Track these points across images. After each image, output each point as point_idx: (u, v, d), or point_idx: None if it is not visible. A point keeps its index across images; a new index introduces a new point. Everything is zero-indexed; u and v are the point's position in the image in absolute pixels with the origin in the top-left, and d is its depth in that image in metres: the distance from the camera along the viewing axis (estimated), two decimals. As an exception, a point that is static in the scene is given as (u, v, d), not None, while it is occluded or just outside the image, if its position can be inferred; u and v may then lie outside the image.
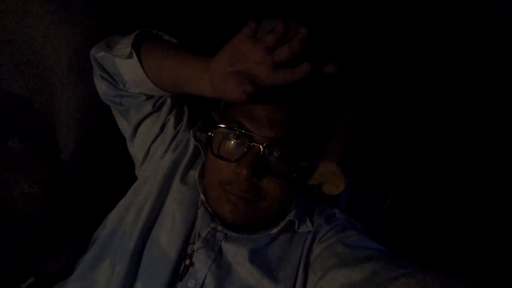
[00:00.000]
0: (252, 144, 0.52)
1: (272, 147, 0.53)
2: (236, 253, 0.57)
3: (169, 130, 0.67)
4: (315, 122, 0.57)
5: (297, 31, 0.41)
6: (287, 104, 0.53)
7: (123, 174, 0.73)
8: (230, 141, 0.55)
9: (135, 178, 0.70)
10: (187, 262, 0.57)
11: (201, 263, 0.56)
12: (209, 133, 0.57)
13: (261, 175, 0.54)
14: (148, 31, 0.64)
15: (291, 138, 0.53)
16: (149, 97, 0.66)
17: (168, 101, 0.67)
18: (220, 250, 0.58)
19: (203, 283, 0.55)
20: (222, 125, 0.55)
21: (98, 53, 0.63)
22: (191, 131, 0.67)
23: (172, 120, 0.67)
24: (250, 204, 0.55)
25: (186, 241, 0.59)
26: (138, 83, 0.63)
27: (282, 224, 0.59)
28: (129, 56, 0.60)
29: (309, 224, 0.60)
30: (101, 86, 0.66)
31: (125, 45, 0.61)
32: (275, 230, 0.59)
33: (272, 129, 0.52)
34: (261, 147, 0.52)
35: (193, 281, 0.55)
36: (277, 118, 0.52)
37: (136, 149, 0.69)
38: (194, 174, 0.64)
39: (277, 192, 0.55)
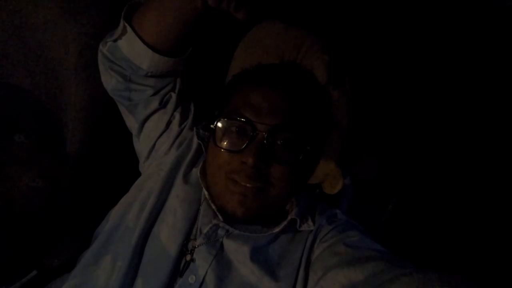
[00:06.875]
0: (256, 133, 0.54)
1: (275, 134, 0.55)
2: (237, 251, 0.57)
3: (174, 127, 0.68)
4: (313, 110, 0.61)
5: None
6: (285, 93, 0.57)
7: (126, 170, 0.74)
8: (233, 132, 0.56)
9: (138, 175, 0.71)
10: (188, 258, 0.57)
11: (202, 260, 0.56)
12: (212, 126, 0.58)
13: (268, 162, 0.55)
14: (136, 2, 0.64)
15: (292, 125, 0.56)
16: (156, 92, 0.67)
17: (173, 98, 0.67)
18: (222, 247, 0.58)
19: (203, 280, 0.55)
20: (224, 117, 0.56)
21: (104, 47, 0.64)
22: (194, 128, 0.68)
23: (177, 117, 0.68)
24: (260, 192, 0.56)
25: (187, 237, 0.59)
26: (141, 55, 0.62)
27: (284, 223, 0.59)
28: (124, 30, 0.61)
29: (310, 223, 0.61)
30: (111, 82, 0.66)
31: (120, 24, 0.62)
32: (277, 230, 0.59)
33: (273, 116, 0.55)
34: (264, 134, 0.53)
35: (194, 277, 0.55)
36: (277, 106, 0.55)
37: (141, 144, 0.70)
38: (196, 171, 0.65)
39: (285, 177, 0.56)
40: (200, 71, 0.77)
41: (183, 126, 0.68)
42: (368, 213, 0.85)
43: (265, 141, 0.54)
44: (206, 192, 0.61)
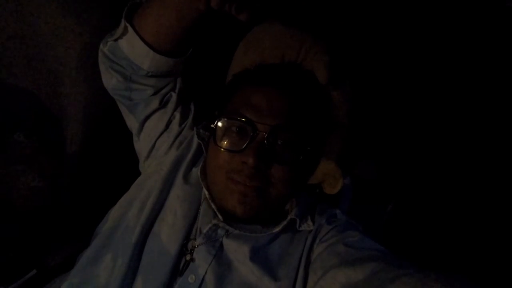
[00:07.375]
0: (256, 133, 0.54)
1: (275, 134, 0.55)
2: (236, 251, 0.57)
3: (174, 127, 0.68)
4: (313, 110, 0.61)
5: None
6: (286, 93, 0.57)
7: (127, 170, 0.74)
8: (234, 132, 0.56)
9: (138, 174, 0.71)
10: (188, 257, 0.58)
11: (201, 259, 0.56)
12: (212, 125, 0.58)
13: (268, 162, 0.55)
14: (137, 2, 0.64)
15: (292, 125, 0.56)
16: (156, 92, 0.67)
17: (173, 98, 0.68)
18: (221, 246, 0.58)
19: (203, 279, 0.55)
20: (225, 117, 0.56)
21: (105, 46, 0.64)
22: (194, 128, 0.68)
23: (177, 117, 0.68)
24: (260, 192, 0.56)
25: (187, 237, 0.59)
26: (142, 55, 0.62)
27: (284, 223, 0.59)
28: (125, 29, 0.61)
29: (310, 223, 0.61)
30: (111, 81, 0.66)
31: (121, 24, 0.62)
32: (276, 229, 0.59)
33: (273, 117, 0.55)
34: (264, 134, 0.54)
35: (193, 276, 0.56)
36: (277, 106, 0.56)
37: (141, 144, 0.70)
38: (196, 171, 0.65)
39: (285, 178, 0.56)
40: (200, 71, 0.77)
41: (183, 125, 0.69)
42: (368, 213, 0.85)
43: (265, 141, 0.54)
44: (206, 192, 0.61)
